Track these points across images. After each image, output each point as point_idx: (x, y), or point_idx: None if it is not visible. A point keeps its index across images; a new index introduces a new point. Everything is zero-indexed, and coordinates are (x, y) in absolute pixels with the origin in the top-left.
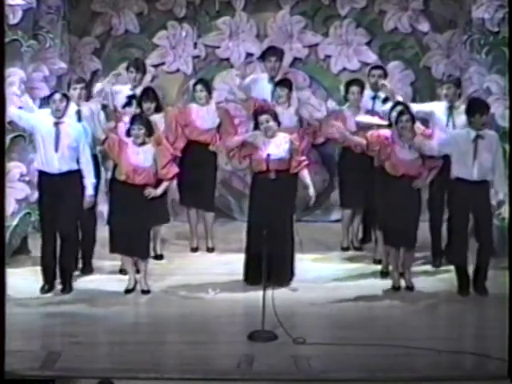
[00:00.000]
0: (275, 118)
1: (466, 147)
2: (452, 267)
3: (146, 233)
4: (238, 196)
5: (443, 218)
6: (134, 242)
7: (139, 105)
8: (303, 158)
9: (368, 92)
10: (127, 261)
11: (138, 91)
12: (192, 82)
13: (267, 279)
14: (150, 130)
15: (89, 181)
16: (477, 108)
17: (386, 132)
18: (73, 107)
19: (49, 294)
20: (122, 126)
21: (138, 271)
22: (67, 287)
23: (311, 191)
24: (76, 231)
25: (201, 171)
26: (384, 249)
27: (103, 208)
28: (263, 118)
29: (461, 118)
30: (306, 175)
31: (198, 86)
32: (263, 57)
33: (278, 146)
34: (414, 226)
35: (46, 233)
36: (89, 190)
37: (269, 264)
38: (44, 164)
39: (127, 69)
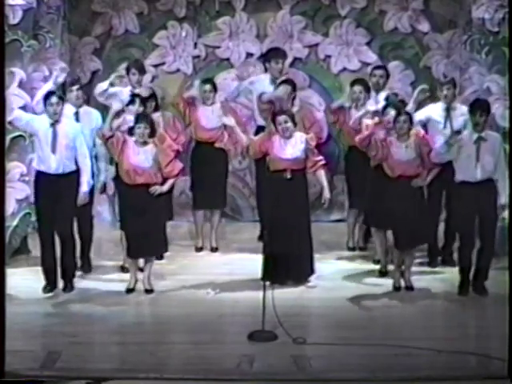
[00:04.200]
0: (292, 119)
1: (469, 149)
2: (450, 267)
3: (161, 229)
4: (238, 196)
5: (440, 218)
6: (151, 243)
7: (142, 103)
8: (319, 158)
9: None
10: (131, 260)
11: (138, 92)
12: (197, 81)
13: (286, 277)
14: (153, 129)
15: (85, 178)
16: (480, 108)
17: (382, 133)
18: (71, 109)
19: (49, 294)
20: (124, 126)
21: (140, 269)
22: (68, 286)
23: (326, 192)
24: (73, 230)
25: (210, 170)
26: (383, 248)
27: (101, 208)
28: (281, 118)
29: (458, 119)
30: (322, 175)
31: (207, 87)
32: (266, 58)
33: (293, 146)
34: (423, 223)
35: (44, 233)
36: (84, 187)
37: (287, 262)
38: (42, 164)
39: (127, 70)
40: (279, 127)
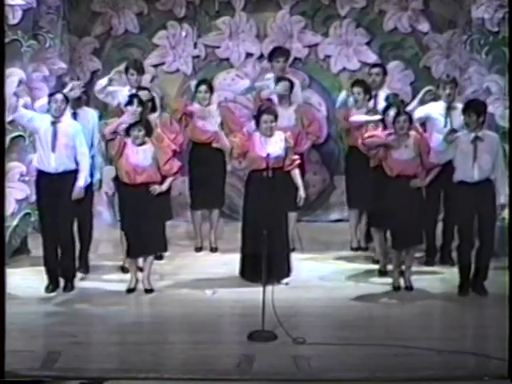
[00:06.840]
0: (276, 118)
1: (466, 149)
2: (449, 267)
3: (161, 229)
4: (237, 196)
5: (438, 217)
6: (151, 242)
7: (141, 104)
8: (296, 156)
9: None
10: (130, 260)
11: (139, 94)
12: (194, 82)
13: (268, 276)
14: (148, 130)
15: (83, 174)
16: (472, 108)
17: (381, 133)
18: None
19: (50, 294)
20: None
21: (140, 269)
22: (68, 286)
23: (301, 192)
24: (73, 230)
25: (208, 170)
26: (382, 248)
27: (101, 208)
28: (267, 117)
29: (459, 119)
30: (297, 174)
31: (202, 87)
32: (270, 57)
33: (274, 144)
34: (419, 224)
35: (47, 232)
36: (80, 182)
37: (269, 261)
38: (42, 163)
39: (126, 70)
40: (263, 125)
